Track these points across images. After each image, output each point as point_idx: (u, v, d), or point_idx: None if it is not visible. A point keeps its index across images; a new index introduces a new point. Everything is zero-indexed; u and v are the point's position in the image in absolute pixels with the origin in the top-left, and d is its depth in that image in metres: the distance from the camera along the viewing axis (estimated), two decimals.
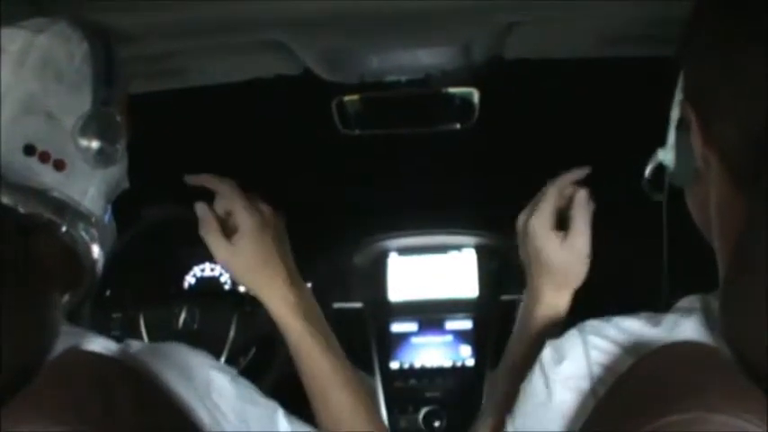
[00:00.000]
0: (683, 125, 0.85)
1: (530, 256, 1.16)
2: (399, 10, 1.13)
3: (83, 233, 0.92)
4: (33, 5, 0.99)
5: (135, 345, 0.92)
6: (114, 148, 0.94)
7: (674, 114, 0.87)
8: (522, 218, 1.17)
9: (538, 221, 1.12)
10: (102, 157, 0.93)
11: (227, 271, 1.10)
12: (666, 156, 0.89)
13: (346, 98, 1.69)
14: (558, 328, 1.11)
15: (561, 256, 1.11)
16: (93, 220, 0.94)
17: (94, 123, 0.92)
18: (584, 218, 1.10)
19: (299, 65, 1.39)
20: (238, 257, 1.08)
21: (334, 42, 1.28)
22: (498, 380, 1.19)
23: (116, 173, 0.98)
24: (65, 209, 0.90)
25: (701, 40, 0.83)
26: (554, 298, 1.14)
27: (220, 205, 1.11)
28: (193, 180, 1.12)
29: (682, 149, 0.86)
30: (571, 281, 1.13)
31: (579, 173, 1.13)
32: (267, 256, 1.09)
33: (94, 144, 0.92)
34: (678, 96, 0.86)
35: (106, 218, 0.99)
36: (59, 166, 0.90)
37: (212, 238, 1.08)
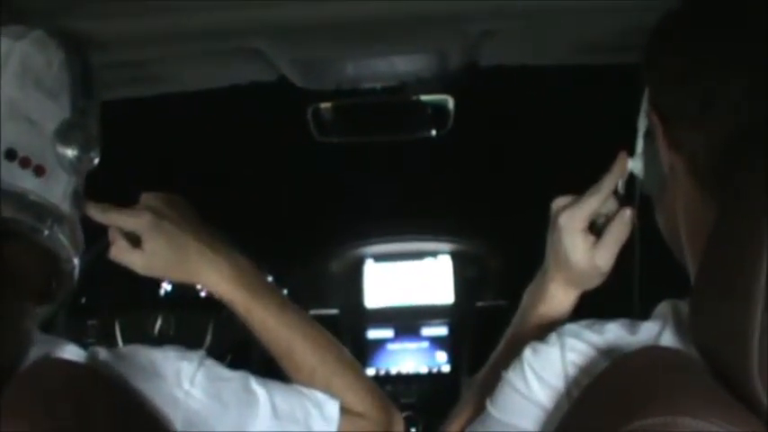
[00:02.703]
0: (649, 133, 0.86)
1: (551, 246, 1.10)
2: (374, 17, 1.13)
3: (62, 237, 0.92)
4: (8, 14, 0.98)
5: (102, 352, 0.92)
6: (89, 156, 0.95)
7: (642, 123, 0.88)
8: (558, 203, 1.09)
9: (573, 218, 1.05)
10: (79, 165, 0.94)
11: (153, 277, 1.07)
12: (636, 165, 0.90)
13: (322, 105, 1.69)
14: (559, 325, 1.10)
15: (582, 261, 1.05)
16: (72, 225, 0.95)
17: (73, 130, 0.93)
18: (619, 237, 1.04)
19: (274, 72, 1.39)
20: (154, 260, 1.04)
21: (309, 50, 1.28)
22: (487, 366, 1.18)
23: (81, 181, 0.98)
24: (46, 214, 0.90)
25: (665, 49, 0.85)
26: (561, 293, 1.11)
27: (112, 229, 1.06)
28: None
29: (649, 157, 0.87)
30: (583, 284, 1.09)
31: (619, 172, 1.02)
32: (180, 242, 1.04)
33: (72, 151, 0.92)
34: (645, 105, 0.88)
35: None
36: (39, 171, 0.90)
37: (122, 254, 1.04)
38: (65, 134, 0.92)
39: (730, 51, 0.76)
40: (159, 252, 1.03)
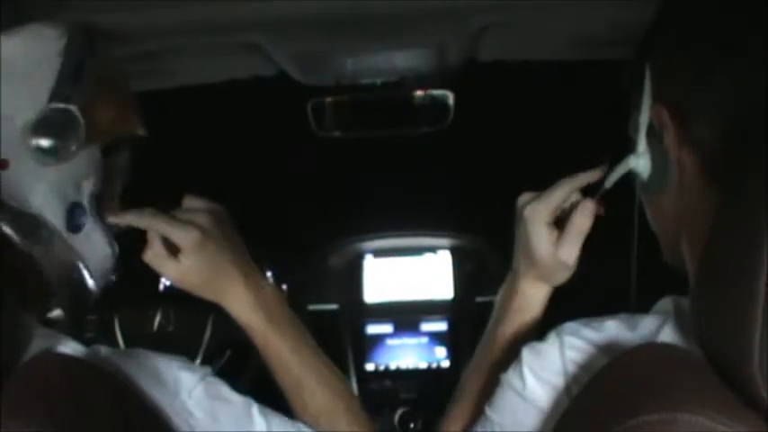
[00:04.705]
0: (653, 130, 0.85)
1: (518, 241, 1.11)
2: (374, 12, 1.13)
3: (15, 232, 0.91)
4: (10, 9, 0.98)
5: (104, 349, 0.92)
6: (67, 146, 0.92)
7: (644, 119, 0.86)
8: (523, 198, 1.09)
9: (536, 210, 1.05)
10: (54, 155, 0.92)
11: (182, 288, 1.07)
12: (638, 162, 0.88)
13: (321, 100, 1.69)
14: (534, 322, 1.10)
15: (546, 254, 1.05)
16: (39, 219, 0.92)
17: (49, 120, 0.91)
18: (581, 228, 1.03)
19: (273, 67, 1.39)
20: (188, 275, 1.05)
21: (308, 45, 1.28)
22: (470, 367, 1.17)
23: (75, 171, 0.96)
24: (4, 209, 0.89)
25: (671, 43, 0.84)
26: (531, 289, 1.10)
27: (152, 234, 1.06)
28: (115, 220, 1.05)
29: (655, 154, 0.86)
30: (550, 279, 1.09)
31: (596, 174, 1.04)
32: (217, 265, 1.05)
33: (46, 141, 0.90)
34: (647, 101, 0.86)
35: (87, 221, 0.98)
36: (2, 165, 0.89)
37: (158, 261, 1.04)
38: (40, 124, 0.90)
39: (752, 38, 0.75)
40: (195, 270, 1.03)
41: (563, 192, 1.05)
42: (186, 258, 1.02)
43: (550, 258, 1.05)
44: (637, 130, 0.91)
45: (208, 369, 0.97)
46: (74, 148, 0.93)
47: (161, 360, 0.94)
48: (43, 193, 0.93)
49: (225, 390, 0.97)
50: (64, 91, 0.93)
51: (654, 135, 0.85)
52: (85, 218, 0.98)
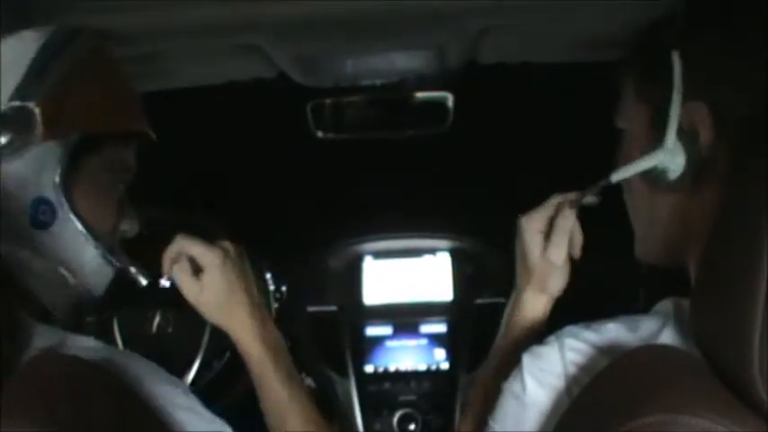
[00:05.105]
0: (683, 125, 0.84)
1: (517, 253, 1.18)
2: (373, 14, 1.13)
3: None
4: (9, 12, 0.99)
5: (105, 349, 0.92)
6: (24, 142, 0.94)
7: (674, 114, 0.85)
8: (520, 217, 1.17)
9: (530, 219, 1.14)
10: (10, 151, 0.93)
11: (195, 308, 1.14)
12: (666, 158, 0.87)
13: (321, 102, 1.69)
14: (538, 332, 1.13)
15: (538, 258, 1.13)
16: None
17: (5, 118, 0.93)
18: (563, 229, 1.11)
19: (274, 68, 1.39)
20: (205, 294, 1.11)
21: (308, 47, 1.28)
22: (478, 378, 1.21)
23: (39, 166, 0.97)
24: None
25: (716, 42, 0.83)
26: (533, 300, 1.16)
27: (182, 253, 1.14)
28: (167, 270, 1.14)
29: (687, 150, 0.85)
30: (549, 287, 1.14)
31: (589, 199, 1.11)
32: (231, 289, 1.12)
33: (2, 138, 0.92)
34: (677, 97, 0.84)
35: (56, 217, 0.98)
36: None
37: (182, 277, 1.12)
38: None
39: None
40: (213, 290, 1.11)
41: (554, 203, 1.12)
42: (207, 276, 1.11)
43: (541, 262, 1.12)
44: (629, 122, 0.91)
45: (185, 384, 1.00)
46: (31, 144, 0.95)
47: (145, 367, 0.95)
48: (4, 190, 0.93)
49: (203, 409, 1.00)
50: (26, 90, 0.95)
51: (682, 131, 0.84)
52: (52, 214, 0.98)
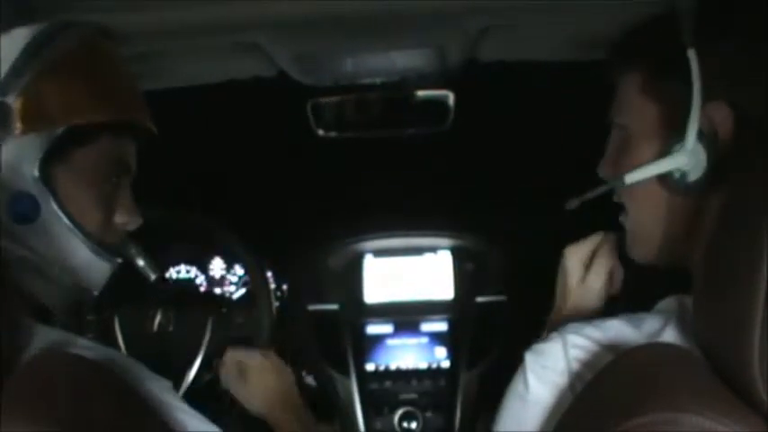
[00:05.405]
0: (702, 126, 0.83)
1: (558, 282, 1.21)
2: (374, 13, 1.13)
3: None
4: (10, 10, 0.99)
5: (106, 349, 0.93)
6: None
7: (694, 115, 0.84)
8: (567, 247, 1.22)
9: (572, 251, 1.18)
10: None
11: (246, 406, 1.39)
12: (686, 159, 0.85)
13: (321, 100, 1.69)
14: None
15: (577, 284, 1.16)
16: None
17: None
18: (604, 260, 1.15)
19: (274, 67, 1.39)
20: (253, 392, 1.38)
21: (309, 45, 1.28)
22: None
23: (18, 160, 0.96)
24: None
25: (733, 38, 0.82)
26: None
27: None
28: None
29: (707, 151, 0.84)
30: (581, 308, 1.16)
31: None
32: (272, 387, 1.38)
33: None
34: (697, 97, 0.83)
35: (41, 211, 0.98)
36: None
37: (230, 379, 1.41)
38: None
39: None
40: (259, 388, 1.38)
41: (597, 238, 1.17)
42: (251, 377, 1.39)
43: (579, 287, 1.16)
44: (631, 118, 0.91)
45: (169, 383, 1.01)
46: (8, 137, 0.95)
47: (132, 367, 0.96)
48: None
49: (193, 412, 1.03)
50: (5, 85, 0.95)
51: (701, 132, 0.84)
52: (35, 208, 0.97)
